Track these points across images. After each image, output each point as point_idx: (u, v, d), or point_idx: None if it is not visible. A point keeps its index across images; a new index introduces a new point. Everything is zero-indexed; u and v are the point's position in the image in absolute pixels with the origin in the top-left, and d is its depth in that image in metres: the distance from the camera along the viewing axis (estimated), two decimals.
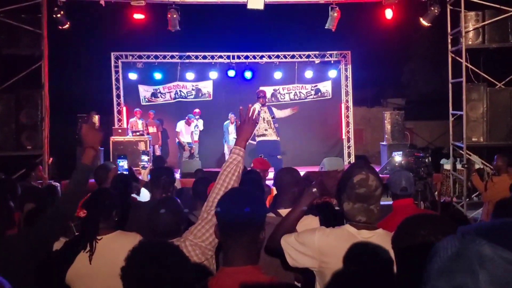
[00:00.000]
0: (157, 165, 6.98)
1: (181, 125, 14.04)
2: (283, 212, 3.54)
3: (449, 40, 11.12)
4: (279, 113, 10.58)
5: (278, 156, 10.13)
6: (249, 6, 10.43)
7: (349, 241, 2.43)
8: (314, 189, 2.81)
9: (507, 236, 0.94)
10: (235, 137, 10.32)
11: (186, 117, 14.11)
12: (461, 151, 10.72)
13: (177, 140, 14.16)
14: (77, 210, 3.12)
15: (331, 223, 2.68)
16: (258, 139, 10.02)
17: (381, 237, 2.45)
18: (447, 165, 10.84)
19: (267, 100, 10.75)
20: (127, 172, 5.03)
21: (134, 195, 5.09)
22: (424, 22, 11.04)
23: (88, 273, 3.13)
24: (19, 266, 2.79)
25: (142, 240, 1.86)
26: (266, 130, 10.00)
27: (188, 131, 14.03)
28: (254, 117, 2.82)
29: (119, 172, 5.14)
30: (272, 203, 4.08)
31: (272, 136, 10.06)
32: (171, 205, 3.03)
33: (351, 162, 15.95)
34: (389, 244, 2.21)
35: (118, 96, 15.62)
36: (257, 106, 10.03)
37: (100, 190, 3.66)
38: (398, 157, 10.64)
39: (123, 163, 5.03)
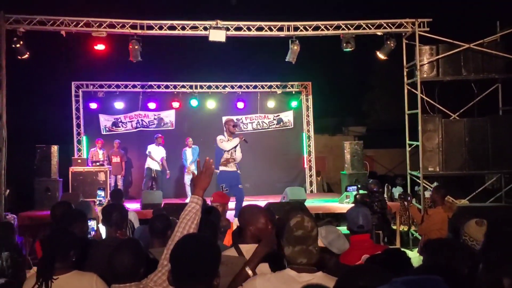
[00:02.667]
0: (115, 200, 6.89)
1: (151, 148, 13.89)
2: (243, 247, 3.56)
3: (405, 73, 11.49)
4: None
5: (239, 186, 10.17)
6: (211, 39, 10.57)
7: (289, 285, 2.50)
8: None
9: None
10: (192, 162, 10.13)
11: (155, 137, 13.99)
12: (418, 180, 10.98)
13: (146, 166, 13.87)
14: None
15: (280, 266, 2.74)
16: (221, 168, 10.03)
17: (321, 280, 2.51)
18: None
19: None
20: (94, 233, 4.98)
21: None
22: (381, 56, 11.38)
23: None
24: None
25: None
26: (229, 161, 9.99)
27: (157, 155, 13.80)
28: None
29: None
30: (234, 237, 4.10)
31: (233, 167, 10.11)
32: (132, 248, 2.99)
33: (313, 191, 16.10)
34: (329, 286, 2.29)
35: (78, 126, 15.41)
36: (236, 140, 9.99)
37: (58, 229, 3.60)
38: (352, 192, 10.87)
39: (93, 224, 4.99)
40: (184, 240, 2.25)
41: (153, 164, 13.63)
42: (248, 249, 3.53)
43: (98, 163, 13.23)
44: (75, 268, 3.28)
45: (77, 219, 4.30)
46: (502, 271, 1.99)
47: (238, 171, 10.20)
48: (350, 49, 11.15)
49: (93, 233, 5.08)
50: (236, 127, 10.17)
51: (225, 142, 9.93)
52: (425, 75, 10.92)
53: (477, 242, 3.76)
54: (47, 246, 3.25)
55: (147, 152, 13.69)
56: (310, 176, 16.53)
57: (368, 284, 1.75)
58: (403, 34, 11.29)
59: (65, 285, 3.10)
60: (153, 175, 13.64)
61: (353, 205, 7.34)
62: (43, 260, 3.18)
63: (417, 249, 8.45)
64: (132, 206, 11.26)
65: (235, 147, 10.01)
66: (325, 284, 2.42)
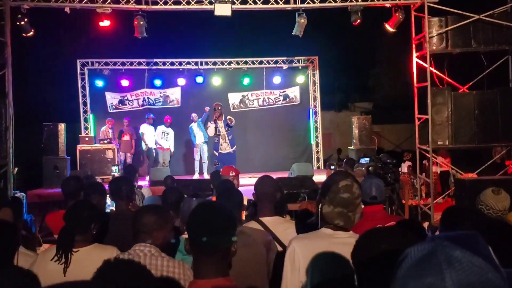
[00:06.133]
0: (128, 175, 6.89)
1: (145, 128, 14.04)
2: (265, 220, 3.51)
3: (414, 46, 11.31)
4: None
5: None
6: (217, 13, 10.43)
7: (327, 240, 2.55)
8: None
9: (473, 244, 0.99)
10: (201, 136, 11.53)
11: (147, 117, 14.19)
12: (427, 154, 10.91)
13: (145, 146, 14.04)
14: None
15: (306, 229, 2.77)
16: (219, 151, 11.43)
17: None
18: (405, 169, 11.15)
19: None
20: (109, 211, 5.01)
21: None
22: (389, 28, 11.23)
23: None
24: None
25: (106, 260, 1.83)
26: (221, 144, 11.22)
27: (157, 135, 13.95)
28: None
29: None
30: (250, 211, 4.10)
31: (226, 149, 11.09)
32: (160, 210, 3.09)
33: (320, 167, 16.07)
34: None
35: (85, 104, 15.40)
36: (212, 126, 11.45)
37: (79, 202, 3.57)
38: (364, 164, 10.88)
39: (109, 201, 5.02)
40: (199, 208, 2.22)
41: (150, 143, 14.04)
42: (270, 221, 3.48)
43: (105, 141, 13.23)
44: (95, 242, 3.26)
45: (95, 192, 4.28)
46: None
47: (231, 150, 11.22)
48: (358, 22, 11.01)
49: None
50: (217, 111, 11.63)
51: (208, 129, 11.78)
52: (434, 48, 10.76)
53: (493, 210, 3.74)
54: (68, 218, 3.23)
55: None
56: (317, 152, 16.49)
57: (391, 247, 1.70)
58: (412, 5, 11.11)
59: (85, 258, 3.06)
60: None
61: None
62: (64, 232, 3.15)
63: (427, 223, 8.41)
64: (142, 183, 11.28)
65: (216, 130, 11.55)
66: None
